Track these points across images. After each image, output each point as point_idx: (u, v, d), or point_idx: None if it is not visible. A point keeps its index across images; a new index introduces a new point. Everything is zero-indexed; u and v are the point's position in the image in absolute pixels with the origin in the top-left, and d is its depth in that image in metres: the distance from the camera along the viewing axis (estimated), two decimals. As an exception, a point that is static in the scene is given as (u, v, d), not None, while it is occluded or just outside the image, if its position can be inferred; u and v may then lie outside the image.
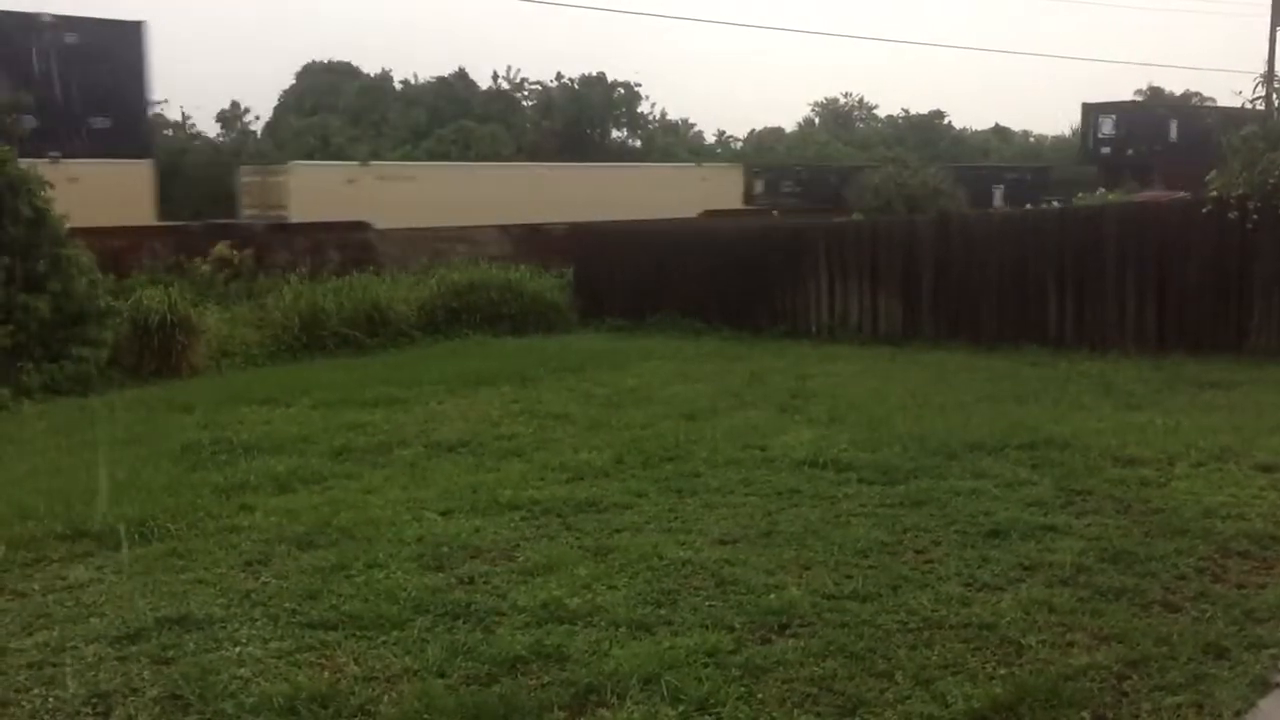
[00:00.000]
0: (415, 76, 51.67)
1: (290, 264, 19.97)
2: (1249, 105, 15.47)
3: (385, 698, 4.57)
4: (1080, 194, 28.02)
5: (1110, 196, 23.86)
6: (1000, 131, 67.81)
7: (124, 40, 23.42)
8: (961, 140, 62.31)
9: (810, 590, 5.56)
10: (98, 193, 19.21)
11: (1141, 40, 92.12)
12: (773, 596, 5.48)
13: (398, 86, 51.08)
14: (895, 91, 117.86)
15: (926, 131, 61.88)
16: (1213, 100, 51.90)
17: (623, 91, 48.49)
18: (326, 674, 4.78)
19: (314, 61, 52.66)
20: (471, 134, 42.99)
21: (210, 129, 47.79)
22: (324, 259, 21.40)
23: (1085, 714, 4.31)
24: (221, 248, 20.24)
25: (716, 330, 17.27)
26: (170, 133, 41.96)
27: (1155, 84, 60.86)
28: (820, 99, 71.10)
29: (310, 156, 38.74)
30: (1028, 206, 25.34)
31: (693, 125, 60.82)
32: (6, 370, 12.80)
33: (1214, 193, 13.27)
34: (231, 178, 28.11)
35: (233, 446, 9.38)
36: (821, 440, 8.85)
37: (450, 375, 13.09)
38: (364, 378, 13.21)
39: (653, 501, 7.36)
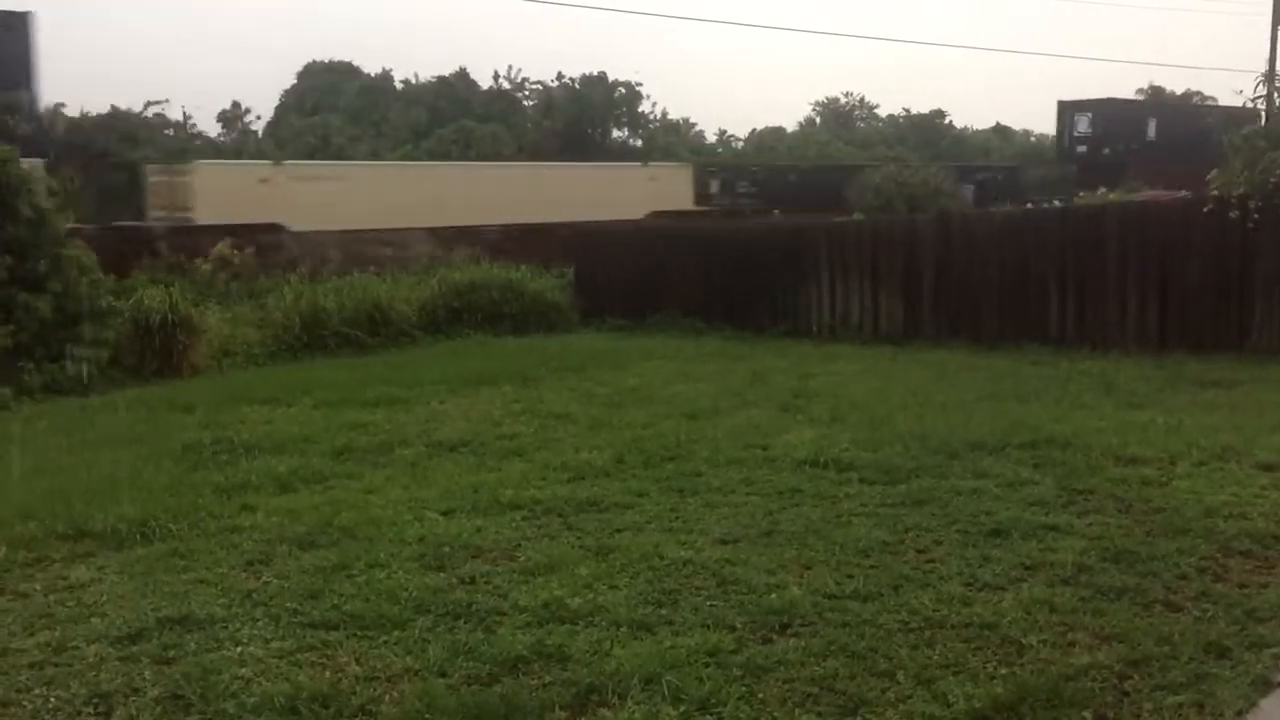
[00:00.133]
0: (416, 76, 51.73)
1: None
2: (1250, 104, 15.46)
3: (386, 697, 4.57)
4: (1058, 196, 27.97)
5: (1111, 196, 23.84)
6: (1001, 131, 67.77)
7: (8, 31, 22.56)
8: (963, 140, 62.28)
9: (811, 590, 5.56)
10: None
11: (1143, 39, 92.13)
12: (774, 596, 5.48)
13: (398, 86, 51.11)
14: (896, 91, 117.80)
15: (927, 131, 61.87)
16: (1214, 99, 51.83)
17: (623, 91, 48.51)
18: (328, 674, 4.79)
19: (315, 61, 52.70)
20: (472, 134, 43.00)
21: (211, 129, 47.83)
22: None
23: (1087, 714, 4.31)
24: (222, 247, 20.24)
25: (718, 330, 17.27)
26: (171, 132, 41.97)
27: (1156, 83, 60.83)
28: (821, 98, 71.09)
29: (311, 156, 38.76)
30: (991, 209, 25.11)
31: (694, 125, 60.81)
32: (7, 370, 12.80)
33: (1215, 192, 13.27)
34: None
35: (234, 446, 9.38)
36: (823, 440, 8.84)
37: (451, 375, 13.09)
38: (365, 377, 13.22)
39: (654, 501, 7.36)
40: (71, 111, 38.58)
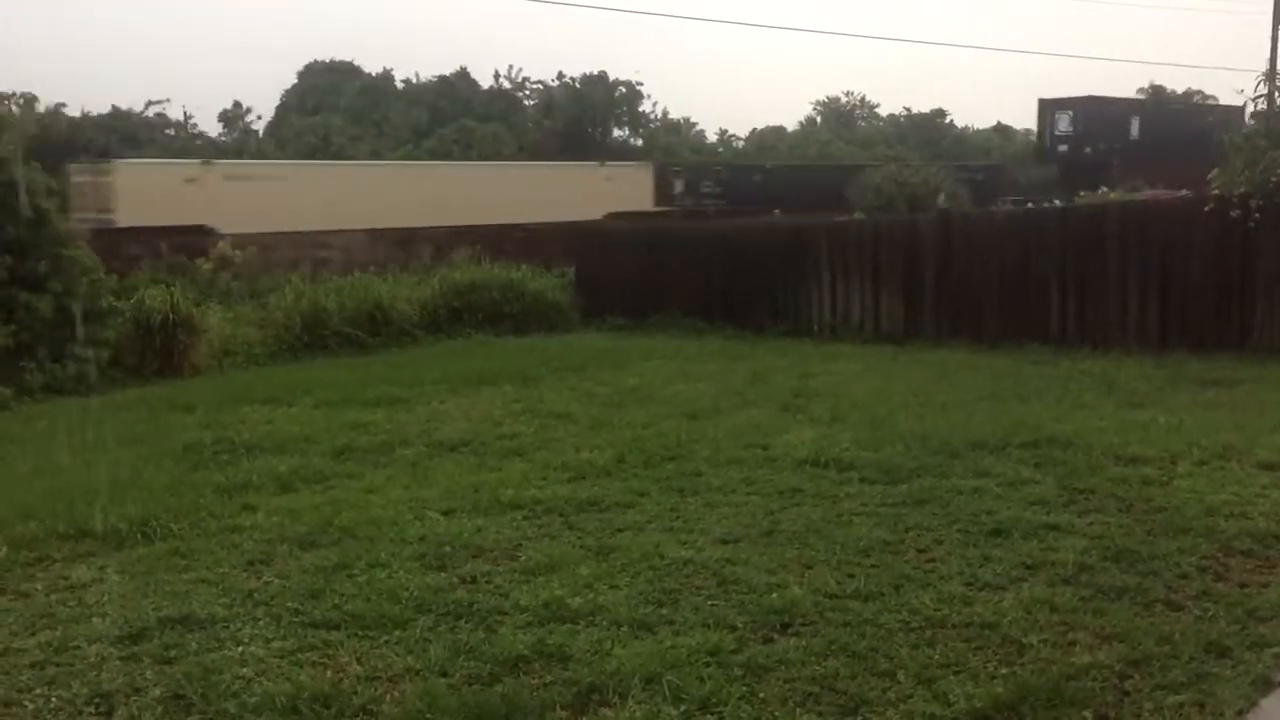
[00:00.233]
0: (417, 76, 51.72)
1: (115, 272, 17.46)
2: (1251, 103, 15.45)
3: (387, 697, 4.58)
4: (1034, 197, 27.59)
5: (1112, 195, 23.84)
6: (1002, 130, 67.71)
7: None
8: (963, 139, 62.27)
9: (812, 589, 5.56)
10: None
11: (1145, 39, 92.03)
12: (775, 596, 5.48)
13: (399, 86, 51.10)
14: (897, 90, 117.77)
15: (928, 130, 61.86)
16: (1215, 99, 51.74)
17: (624, 91, 48.51)
18: (329, 674, 4.79)
19: (316, 61, 52.67)
20: (473, 133, 43.01)
21: (213, 129, 47.85)
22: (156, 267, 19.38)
23: (1087, 713, 4.31)
24: (223, 247, 20.25)
25: (718, 329, 17.28)
26: (172, 132, 42.01)
27: (1157, 82, 60.80)
28: (822, 98, 71.06)
29: (312, 156, 38.75)
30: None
31: (694, 124, 60.80)
32: (9, 370, 12.81)
33: (1217, 191, 13.26)
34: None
35: (235, 446, 9.39)
36: (823, 439, 8.84)
37: (452, 375, 13.10)
38: (366, 377, 13.23)
39: (655, 501, 7.36)
40: (73, 111, 38.66)
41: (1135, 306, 13.98)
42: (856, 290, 16.55)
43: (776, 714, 4.36)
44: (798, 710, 4.38)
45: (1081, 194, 26.97)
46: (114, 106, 42.77)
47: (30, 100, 38.95)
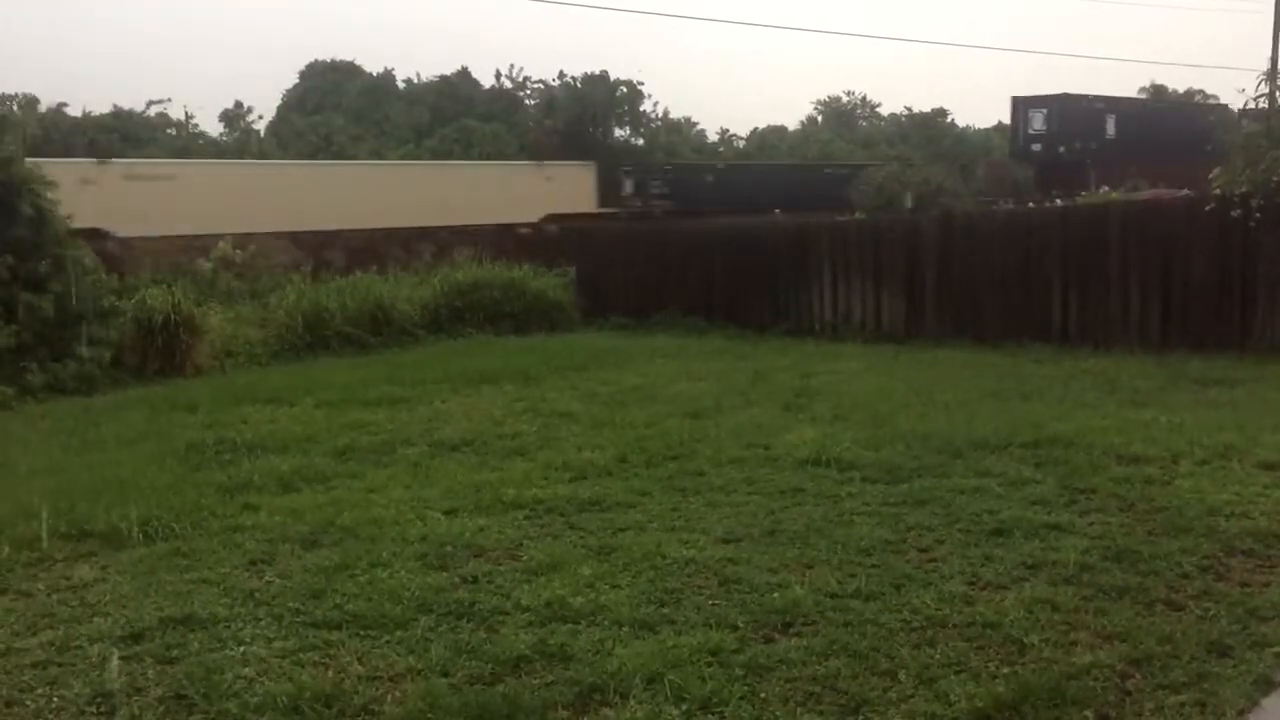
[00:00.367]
0: (418, 75, 51.63)
1: None
2: (1252, 103, 15.44)
3: (389, 697, 4.58)
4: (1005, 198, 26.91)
5: (1114, 195, 23.80)
6: (1003, 129, 67.55)
7: None
8: (964, 138, 62.18)
9: (814, 589, 5.56)
10: None
11: (1147, 38, 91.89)
12: (776, 595, 5.48)
13: (400, 85, 51.06)
14: (898, 90, 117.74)
15: (929, 129, 61.77)
16: (1216, 98, 51.67)
17: (625, 90, 48.45)
18: (330, 673, 4.79)
19: (317, 60, 52.63)
20: (474, 133, 43.00)
21: (214, 128, 47.86)
22: None
23: (1088, 713, 4.31)
24: (223, 247, 20.25)
25: (720, 329, 17.30)
26: (173, 131, 42.02)
27: (1159, 81, 60.72)
28: (823, 97, 70.96)
29: (314, 156, 38.73)
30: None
31: (695, 124, 60.72)
32: (10, 370, 12.82)
33: (1217, 190, 13.27)
34: None
35: (236, 446, 9.40)
36: (825, 439, 8.84)
37: (454, 374, 13.11)
38: (367, 377, 13.24)
39: (656, 500, 7.37)
40: (74, 111, 38.67)
41: (1137, 306, 13.99)
42: (858, 289, 16.56)
43: (778, 714, 4.36)
44: (799, 710, 4.38)
45: (1055, 194, 26.40)
46: (115, 106, 42.75)
47: (31, 101, 39.00)
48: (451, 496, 7.57)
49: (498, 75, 50.80)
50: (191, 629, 5.33)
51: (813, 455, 8.28)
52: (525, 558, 6.22)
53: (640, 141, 47.89)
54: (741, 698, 4.45)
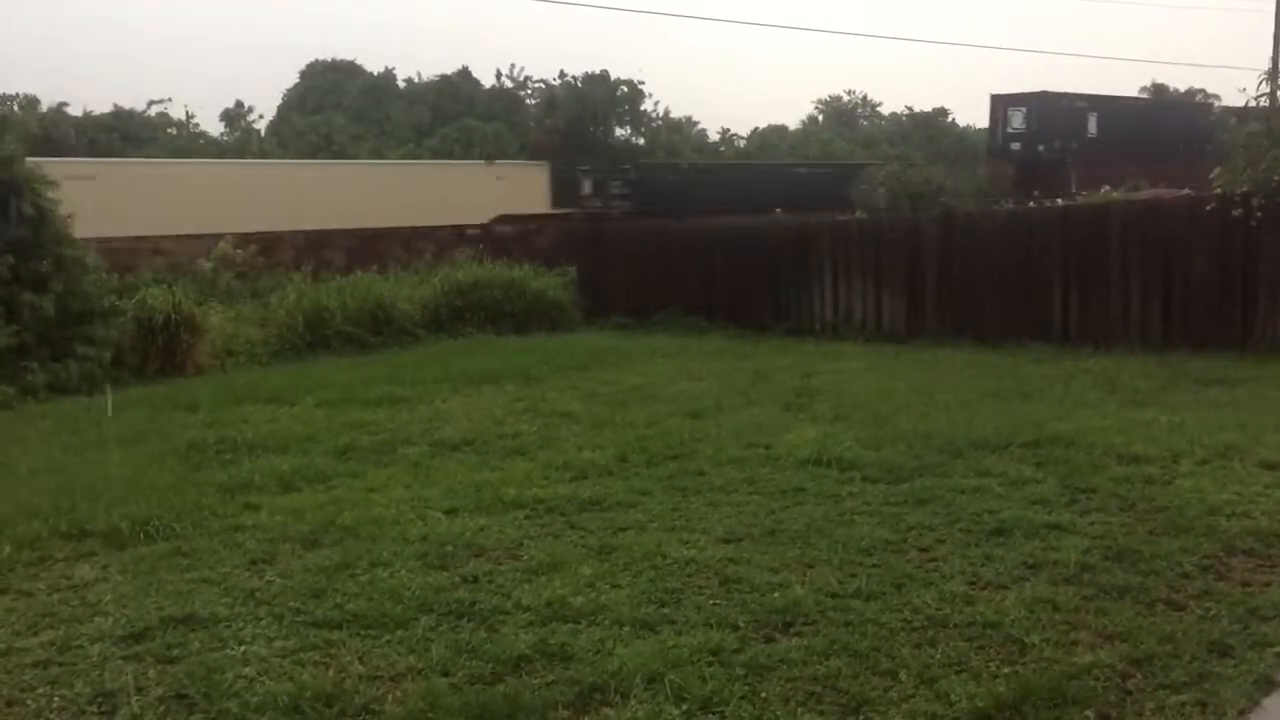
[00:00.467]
0: (419, 75, 51.58)
1: None
2: (1253, 103, 15.42)
3: (389, 697, 4.58)
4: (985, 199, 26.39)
5: (1114, 194, 23.75)
6: (1003, 129, 67.51)
7: None
8: (965, 138, 62.19)
9: (814, 589, 5.56)
10: None
11: (1148, 38, 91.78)
12: (777, 595, 5.48)
13: (401, 85, 51.04)
14: (899, 89, 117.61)
15: (930, 129, 61.75)
16: (1217, 97, 51.60)
17: (626, 90, 48.42)
18: (331, 673, 4.79)
19: (318, 60, 52.62)
20: (475, 132, 42.98)
21: (215, 128, 47.83)
22: None
23: (1089, 713, 4.31)
24: (224, 246, 20.22)
25: (721, 328, 17.31)
26: (174, 131, 42.01)
27: (1159, 81, 60.70)
28: (824, 97, 70.94)
29: (314, 155, 38.73)
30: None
31: (696, 123, 60.72)
32: (11, 369, 12.82)
33: (1218, 190, 13.27)
34: None
35: (237, 445, 9.40)
36: (826, 438, 8.85)
37: (454, 374, 13.11)
38: (368, 376, 13.24)
39: (657, 500, 7.37)
40: (74, 111, 38.67)
41: (1137, 305, 13.99)
42: (858, 289, 16.57)
43: (778, 713, 4.36)
44: (800, 710, 4.38)
45: (1035, 194, 26.02)
46: (116, 106, 42.69)
47: (32, 101, 38.97)
48: (452, 496, 7.57)
49: (498, 75, 50.78)
50: (192, 628, 5.33)
51: (813, 455, 8.28)
52: (526, 557, 6.22)
53: (641, 141, 47.88)
54: (742, 697, 4.45)
